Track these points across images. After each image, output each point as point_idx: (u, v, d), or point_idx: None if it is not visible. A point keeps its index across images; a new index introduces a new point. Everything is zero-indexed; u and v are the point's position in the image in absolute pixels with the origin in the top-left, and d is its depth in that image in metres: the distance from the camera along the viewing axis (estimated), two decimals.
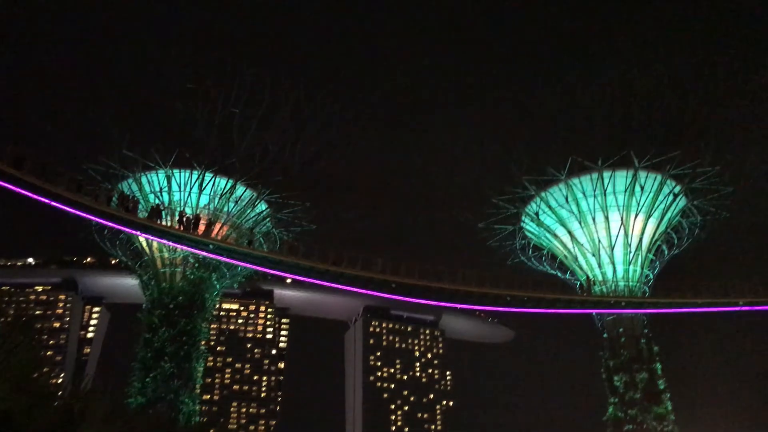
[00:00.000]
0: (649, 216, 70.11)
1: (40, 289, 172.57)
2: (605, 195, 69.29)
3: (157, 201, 64.01)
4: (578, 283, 70.93)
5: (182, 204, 64.45)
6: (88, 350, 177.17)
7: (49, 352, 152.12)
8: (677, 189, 69.76)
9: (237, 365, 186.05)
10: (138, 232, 59.25)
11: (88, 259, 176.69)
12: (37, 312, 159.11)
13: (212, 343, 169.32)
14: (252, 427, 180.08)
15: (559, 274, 74.67)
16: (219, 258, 59.74)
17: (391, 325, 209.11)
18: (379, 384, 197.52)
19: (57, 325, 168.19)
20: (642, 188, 68.69)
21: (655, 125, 68.18)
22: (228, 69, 61.35)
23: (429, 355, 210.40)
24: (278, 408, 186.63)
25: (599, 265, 70.05)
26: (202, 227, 61.26)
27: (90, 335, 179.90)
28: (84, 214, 53.92)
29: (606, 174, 68.74)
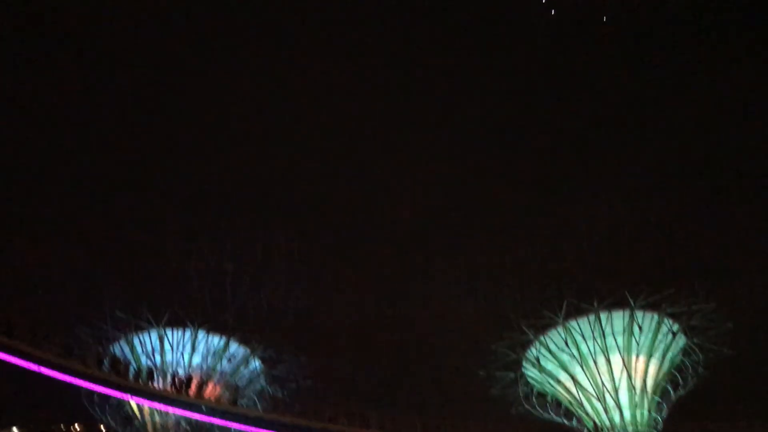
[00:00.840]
0: (651, 356, 68.75)
1: None
2: (604, 336, 68.25)
3: (149, 362, 62.82)
4: (585, 430, 68.39)
5: (175, 364, 63.22)
6: None
7: None
8: (675, 328, 68.98)
9: None
10: (129, 396, 57.55)
11: (75, 426, 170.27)
12: None
13: None
14: None
15: (566, 421, 72.01)
16: (212, 420, 57.69)
17: None
18: None
19: None
20: (640, 328, 67.89)
21: (647, 263, 68.60)
22: (221, 225, 62.58)
23: None
24: None
25: (605, 411, 67.69)
26: (194, 387, 59.70)
27: None
28: (73, 380, 52.57)
29: (603, 315, 68.13)
